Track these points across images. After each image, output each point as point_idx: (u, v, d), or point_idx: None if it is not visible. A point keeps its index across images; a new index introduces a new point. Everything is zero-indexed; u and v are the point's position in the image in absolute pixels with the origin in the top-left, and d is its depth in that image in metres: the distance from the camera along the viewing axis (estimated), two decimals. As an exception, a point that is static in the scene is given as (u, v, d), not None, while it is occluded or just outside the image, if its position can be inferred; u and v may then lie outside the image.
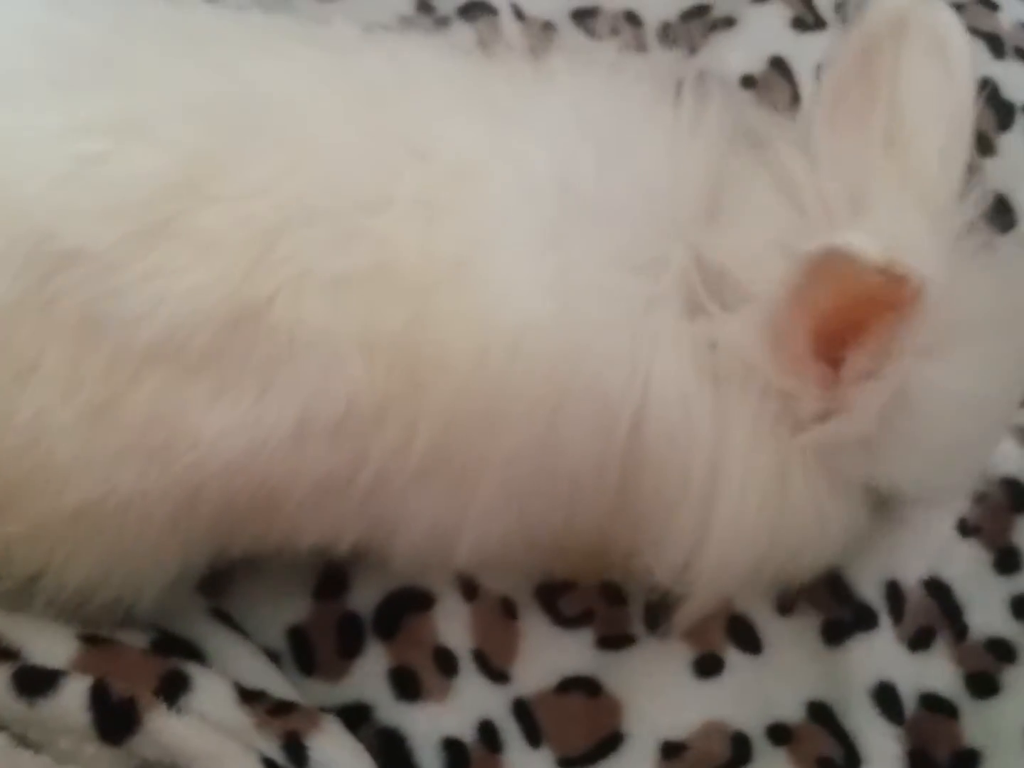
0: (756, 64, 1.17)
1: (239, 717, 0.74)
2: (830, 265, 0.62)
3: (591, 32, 1.23)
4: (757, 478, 0.72)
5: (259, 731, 0.73)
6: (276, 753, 0.72)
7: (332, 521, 0.76)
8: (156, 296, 0.65)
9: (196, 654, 0.83)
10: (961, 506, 0.95)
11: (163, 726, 0.69)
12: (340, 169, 0.69)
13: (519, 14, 1.24)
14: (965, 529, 0.95)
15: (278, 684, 0.82)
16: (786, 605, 0.92)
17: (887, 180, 0.71)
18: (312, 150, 0.69)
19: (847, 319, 0.65)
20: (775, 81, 1.16)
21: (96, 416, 0.67)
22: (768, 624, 0.92)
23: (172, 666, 0.74)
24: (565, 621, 0.92)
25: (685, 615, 0.80)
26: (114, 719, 0.68)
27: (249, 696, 0.76)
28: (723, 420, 0.71)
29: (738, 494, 0.72)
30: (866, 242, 0.60)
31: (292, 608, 0.90)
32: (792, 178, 0.73)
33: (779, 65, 1.16)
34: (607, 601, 0.93)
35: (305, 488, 0.72)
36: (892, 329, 0.65)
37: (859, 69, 0.74)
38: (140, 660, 0.75)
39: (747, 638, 0.92)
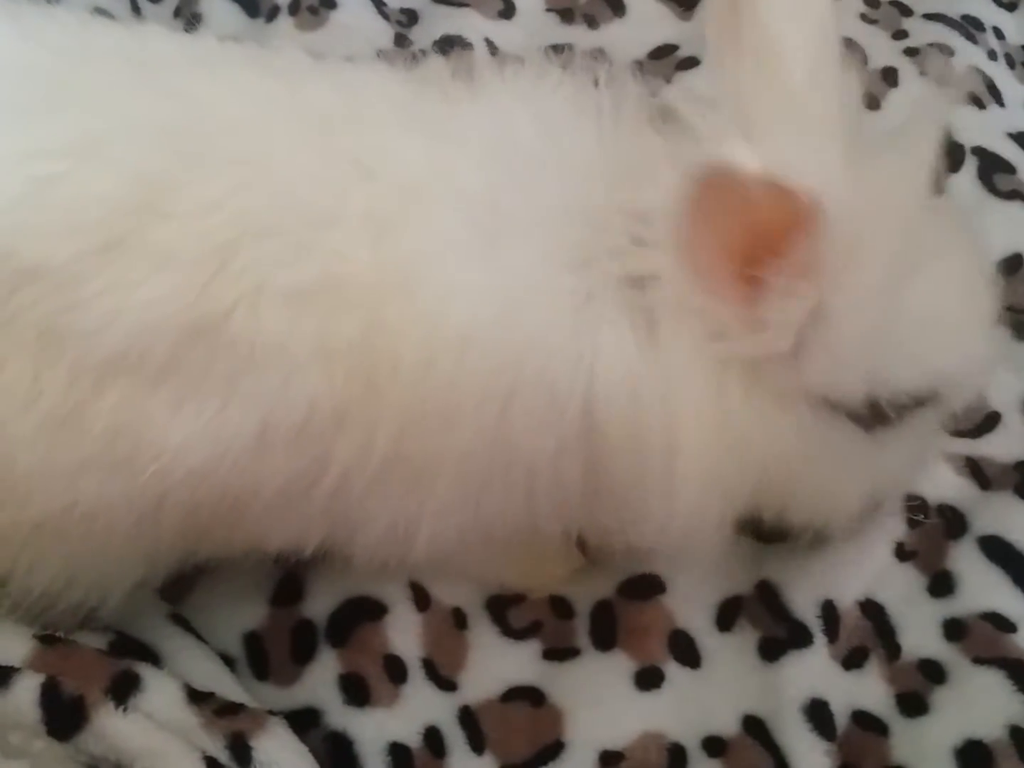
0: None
1: (186, 717, 0.77)
2: (717, 182, 0.64)
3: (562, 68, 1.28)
4: (702, 407, 0.75)
5: (205, 731, 0.77)
6: (220, 752, 0.75)
7: (296, 525, 0.80)
8: (114, 309, 0.68)
9: (152, 656, 0.86)
10: (898, 530, 0.98)
11: (109, 724, 0.72)
12: (291, 187, 0.73)
13: (493, 48, 1.29)
14: (902, 553, 0.98)
15: (230, 687, 0.85)
16: (726, 621, 0.96)
17: (764, 104, 0.73)
18: (263, 169, 0.73)
19: (755, 238, 0.68)
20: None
21: (58, 428, 0.70)
22: (708, 639, 0.96)
23: (124, 666, 0.78)
24: (513, 632, 0.96)
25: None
26: (62, 716, 0.72)
27: (198, 697, 0.79)
28: (666, 368, 0.74)
29: (692, 431, 0.75)
30: (745, 156, 0.62)
31: (249, 614, 0.94)
32: (692, 122, 0.75)
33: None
34: (555, 614, 0.97)
35: (268, 494, 0.75)
36: (798, 247, 0.67)
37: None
38: (93, 660, 0.78)
39: (687, 652, 0.95)
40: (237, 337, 0.70)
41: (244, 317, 0.70)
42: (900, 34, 1.27)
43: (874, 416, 0.79)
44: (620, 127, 0.80)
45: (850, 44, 1.24)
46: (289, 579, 0.95)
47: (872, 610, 0.96)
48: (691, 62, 1.24)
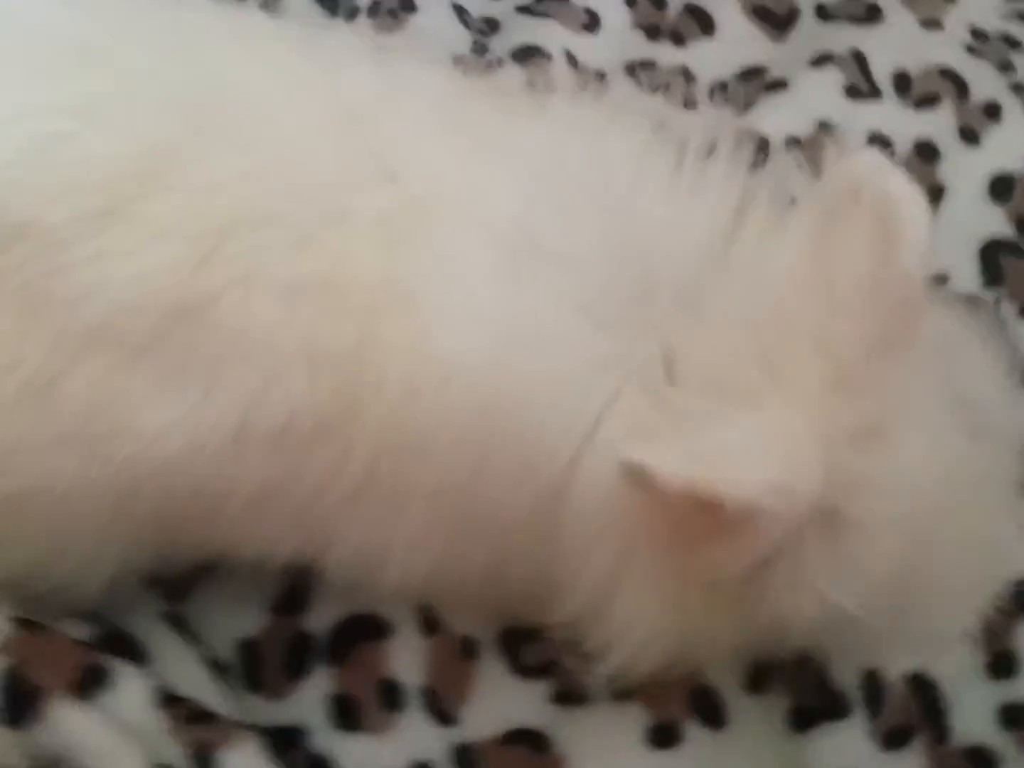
0: (803, 127, 1.14)
1: (153, 720, 0.72)
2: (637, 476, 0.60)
3: (643, 85, 1.23)
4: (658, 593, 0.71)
5: (170, 736, 0.72)
6: (181, 761, 0.70)
7: (268, 533, 0.75)
8: (102, 278, 0.65)
9: (139, 653, 0.82)
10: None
11: (65, 717, 0.68)
12: (304, 176, 0.69)
13: (573, 61, 1.24)
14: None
15: (212, 695, 0.81)
16: (757, 682, 0.88)
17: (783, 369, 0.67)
18: (278, 154, 0.69)
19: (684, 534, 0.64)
20: (821, 142, 1.13)
21: (36, 398, 0.67)
22: (735, 699, 0.87)
23: (95, 660, 0.73)
24: (524, 670, 0.89)
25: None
26: (20, 704, 0.68)
27: (170, 701, 0.74)
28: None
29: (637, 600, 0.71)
30: (664, 460, 0.58)
31: (248, 621, 0.89)
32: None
33: (827, 128, 1.13)
34: (572, 655, 0.90)
35: (243, 497, 0.71)
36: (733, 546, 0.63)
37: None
38: (66, 650, 0.74)
39: (710, 712, 0.87)
40: (224, 324, 0.66)
41: (234, 304, 0.66)
42: (1007, 67, 1.18)
43: None
44: (697, 206, 0.73)
45: (952, 76, 1.17)
46: (295, 588, 0.90)
47: (921, 686, 0.87)
48: (779, 85, 1.18)
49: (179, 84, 0.70)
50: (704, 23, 1.24)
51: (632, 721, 0.86)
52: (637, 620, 0.72)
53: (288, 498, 0.71)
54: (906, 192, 0.65)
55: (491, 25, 1.28)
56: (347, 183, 0.69)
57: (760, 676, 0.88)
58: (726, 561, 0.65)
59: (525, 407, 0.68)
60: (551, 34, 1.25)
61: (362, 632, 0.88)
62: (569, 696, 0.88)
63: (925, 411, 0.68)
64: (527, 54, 1.22)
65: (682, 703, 0.87)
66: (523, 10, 1.28)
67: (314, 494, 0.71)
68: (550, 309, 0.69)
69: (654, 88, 1.21)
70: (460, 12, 1.28)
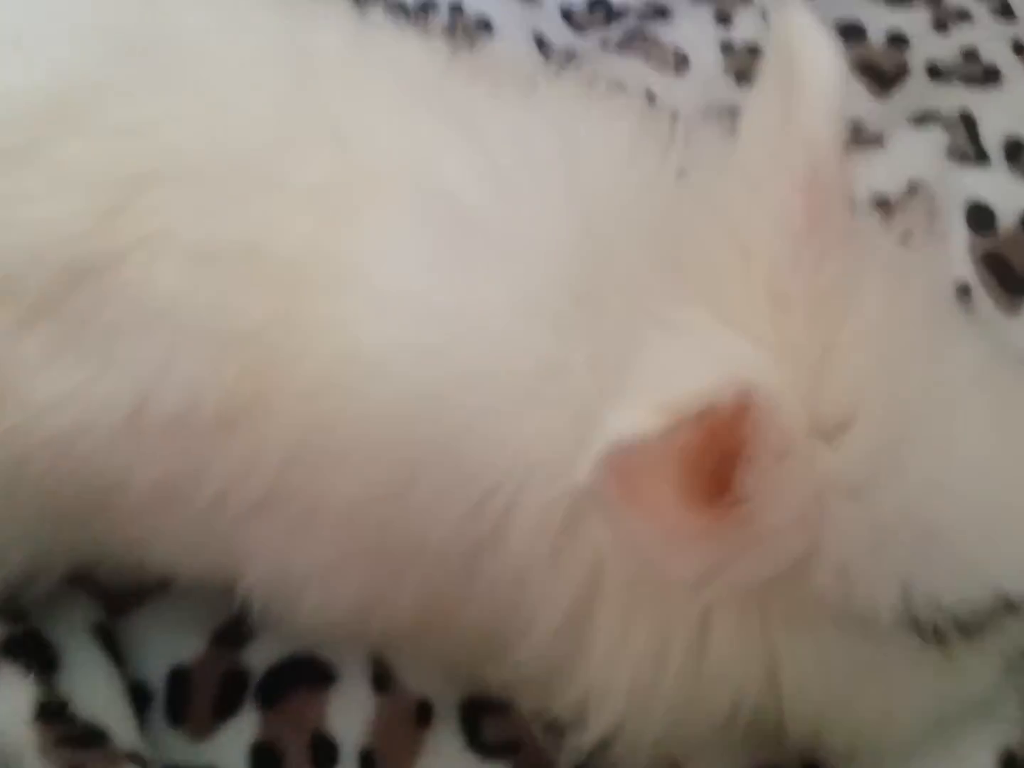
0: (894, 185, 1.02)
1: (25, 734, 0.64)
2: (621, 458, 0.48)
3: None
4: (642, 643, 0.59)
5: (39, 755, 0.63)
6: (39, 782, 0.61)
7: (169, 540, 0.66)
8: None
9: (50, 661, 0.73)
10: (1009, 734, 0.74)
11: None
12: (240, 132, 0.61)
13: (651, 100, 1.15)
14: (1011, 762, 0.73)
15: (114, 720, 0.71)
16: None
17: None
18: (214, 104, 0.62)
19: (697, 467, 0.51)
20: (910, 205, 1.01)
21: None
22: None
23: (-22, 662, 0.65)
24: (482, 747, 0.77)
25: None
26: None
27: (52, 716, 0.66)
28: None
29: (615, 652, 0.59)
30: (632, 416, 0.46)
31: (184, 648, 0.79)
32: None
33: (919, 189, 1.01)
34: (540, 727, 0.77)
35: (139, 491, 0.63)
36: (752, 444, 0.50)
37: None
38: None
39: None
40: (126, 289, 0.59)
41: (140, 266, 0.59)
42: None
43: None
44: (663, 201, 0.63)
45: None
46: (238, 619, 0.80)
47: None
48: (874, 141, 1.06)
49: (110, 18, 0.64)
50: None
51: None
52: (614, 678, 0.60)
53: (189, 500, 0.62)
54: (812, 43, 0.55)
55: (571, 59, 1.21)
56: (288, 145, 0.61)
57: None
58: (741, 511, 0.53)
59: (461, 413, 0.58)
60: (635, 72, 1.17)
61: (303, 676, 0.78)
62: (526, 784, 0.75)
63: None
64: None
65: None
66: (609, 47, 1.21)
67: (218, 498, 0.62)
68: (497, 304, 0.59)
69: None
70: (540, 43, 1.21)
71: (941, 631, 0.58)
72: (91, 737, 0.67)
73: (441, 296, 0.59)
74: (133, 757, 0.67)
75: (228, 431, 0.60)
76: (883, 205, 1.01)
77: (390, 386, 0.57)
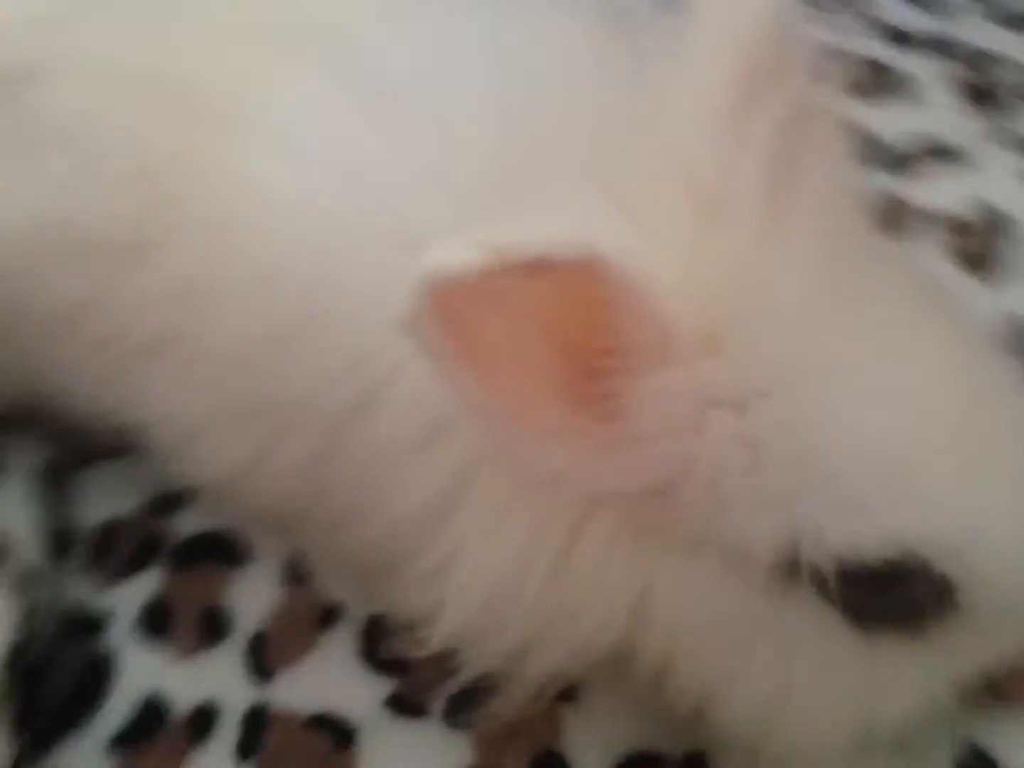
0: (963, 206, 0.95)
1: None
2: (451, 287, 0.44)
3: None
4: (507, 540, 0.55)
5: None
6: None
7: (71, 364, 0.67)
8: None
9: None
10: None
11: None
12: None
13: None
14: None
15: (27, 539, 0.73)
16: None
17: None
18: None
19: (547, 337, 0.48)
20: (977, 227, 0.94)
21: None
22: None
23: None
24: (373, 660, 0.74)
25: None
26: None
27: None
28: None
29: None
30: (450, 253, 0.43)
31: (119, 505, 0.80)
32: None
33: (988, 212, 0.94)
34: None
35: (41, 316, 0.65)
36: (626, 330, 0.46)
37: None
38: None
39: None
40: (43, 103, 0.61)
41: (58, 81, 0.60)
42: None
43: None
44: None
45: None
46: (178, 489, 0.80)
47: None
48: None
49: None
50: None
51: (453, 758, 0.69)
52: (475, 574, 0.56)
53: (89, 331, 0.64)
54: None
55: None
56: None
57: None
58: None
59: (349, 270, 0.57)
60: None
61: (216, 551, 0.78)
62: (403, 703, 0.72)
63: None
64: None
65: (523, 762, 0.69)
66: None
67: (117, 333, 0.63)
68: (400, 167, 0.57)
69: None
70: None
71: (832, 588, 0.51)
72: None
73: (345, 152, 0.58)
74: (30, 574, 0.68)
75: (129, 263, 0.61)
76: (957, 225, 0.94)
77: (281, 232, 0.57)
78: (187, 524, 0.79)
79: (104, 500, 0.81)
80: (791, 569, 0.51)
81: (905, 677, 0.54)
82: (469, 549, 0.57)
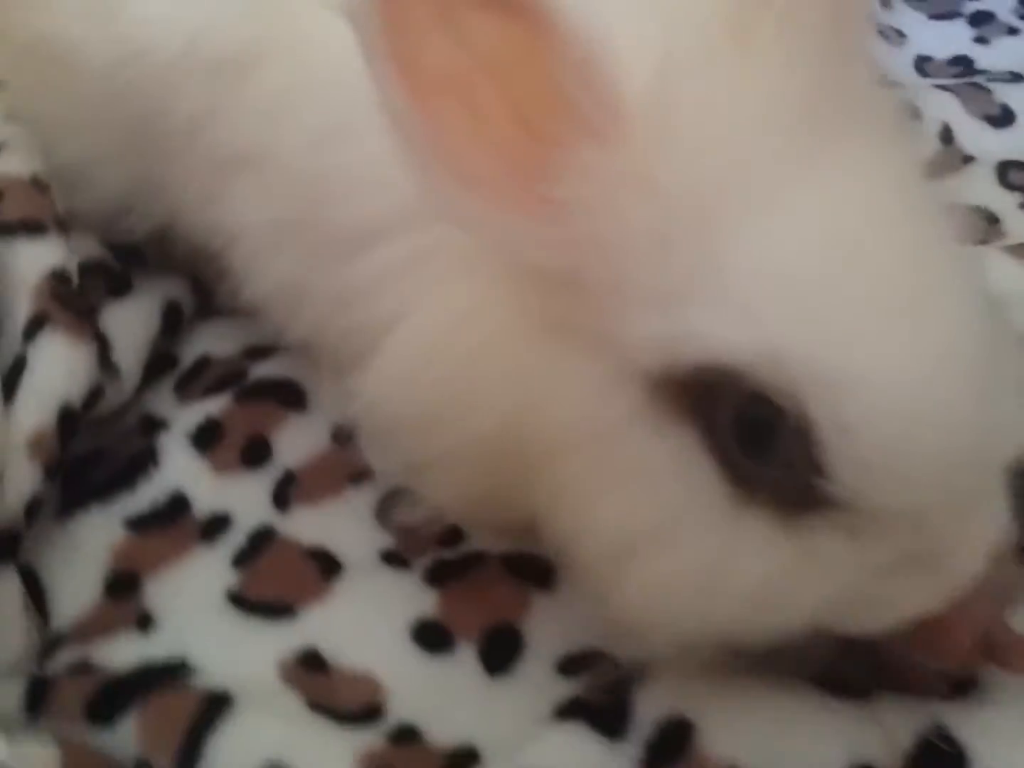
0: None
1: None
2: None
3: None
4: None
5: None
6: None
7: (184, 179, 0.76)
8: None
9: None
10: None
11: None
12: None
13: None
14: None
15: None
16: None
17: None
18: None
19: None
20: None
21: None
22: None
23: None
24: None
25: None
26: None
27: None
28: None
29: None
30: None
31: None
32: None
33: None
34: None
35: (172, 122, 0.74)
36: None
37: None
38: None
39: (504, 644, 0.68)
40: None
41: None
42: None
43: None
44: None
45: None
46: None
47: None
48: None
49: None
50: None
51: (416, 608, 0.70)
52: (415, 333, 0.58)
53: (202, 139, 0.72)
54: None
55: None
56: None
57: None
58: None
59: None
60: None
61: (280, 394, 0.84)
62: (394, 557, 0.74)
63: None
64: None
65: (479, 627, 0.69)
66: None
67: (220, 144, 0.71)
68: None
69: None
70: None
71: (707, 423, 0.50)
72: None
73: None
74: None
75: (239, 77, 0.69)
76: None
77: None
78: (264, 369, 0.85)
79: (204, 341, 0.89)
80: (674, 396, 0.50)
81: (767, 558, 0.50)
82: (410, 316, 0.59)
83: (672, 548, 0.51)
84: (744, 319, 0.47)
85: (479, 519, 0.67)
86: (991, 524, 0.51)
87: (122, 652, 0.68)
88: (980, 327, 0.49)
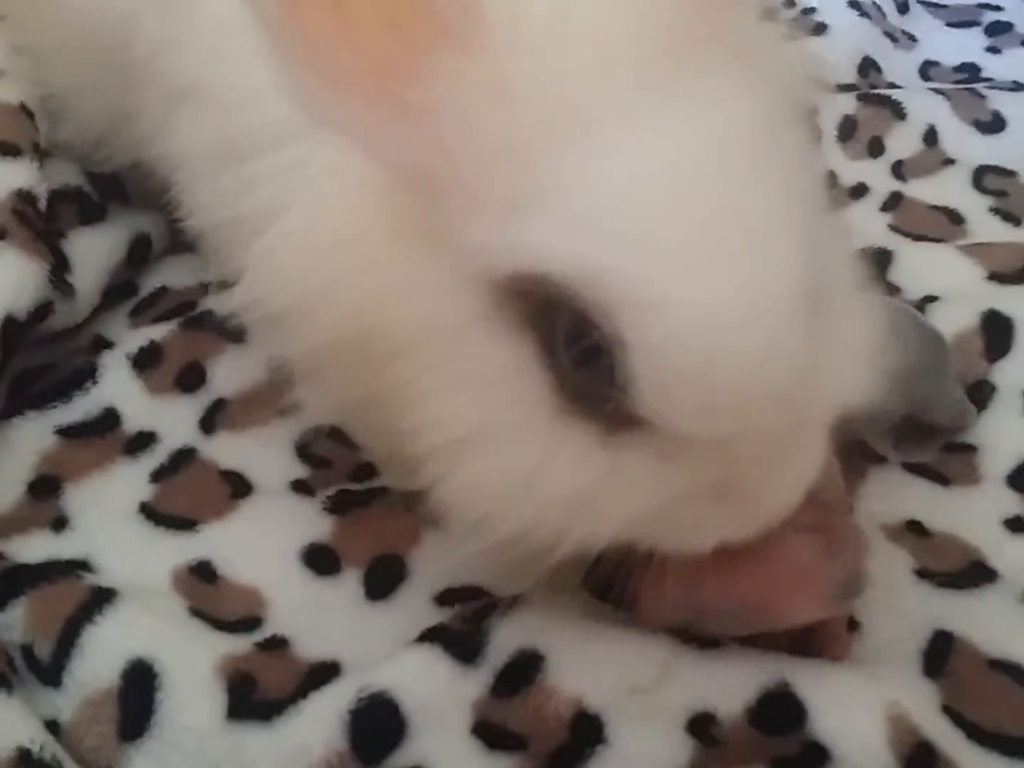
0: None
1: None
2: None
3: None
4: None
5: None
6: None
7: (145, 109, 0.80)
8: None
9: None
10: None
11: None
12: None
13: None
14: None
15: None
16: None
17: None
18: None
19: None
20: None
21: None
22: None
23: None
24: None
25: None
26: None
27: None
28: None
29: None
30: None
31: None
32: None
33: None
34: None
35: (134, 54, 0.78)
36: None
37: None
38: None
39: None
40: None
41: None
42: None
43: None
44: None
45: None
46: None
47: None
48: None
49: None
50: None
51: (312, 530, 0.73)
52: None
53: (159, 70, 0.76)
54: None
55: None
56: None
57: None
58: None
59: None
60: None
61: (224, 328, 0.86)
62: (305, 487, 0.77)
63: None
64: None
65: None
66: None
67: (173, 73, 0.74)
68: None
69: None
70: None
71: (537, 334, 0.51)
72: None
73: None
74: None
75: (188, 8, 0.72)
76: None
77: None
78: (213, 302, 0.88)
79: (165, 274, 0.94)
80: (515, 305, 0.52)
81: (583, 469, 0.51)
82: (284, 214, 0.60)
83: (496, 450, 0.53)
84: (573, 234, 0.49)
85: (361, 427, 0.70)
86: (805, 464, 0.52)
87: (33, 548, 0.71)
88: (803, 276, 0.49)
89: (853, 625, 0.66)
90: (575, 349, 0.50)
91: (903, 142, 1.09)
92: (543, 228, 0.49)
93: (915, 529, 0.74)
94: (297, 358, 0.64)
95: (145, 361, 0.84)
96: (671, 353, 0.48)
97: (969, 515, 0.74)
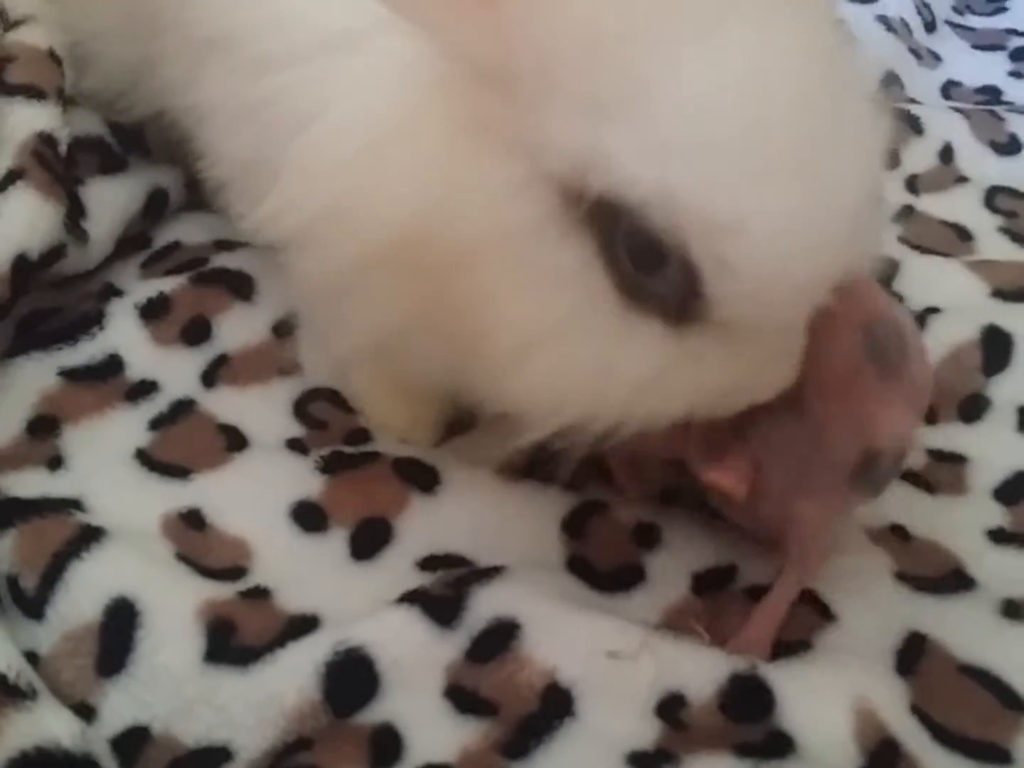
0: None
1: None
2: None
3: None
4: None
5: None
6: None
7: (171, 54, 0.80)
8: None
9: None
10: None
11: None
12: None
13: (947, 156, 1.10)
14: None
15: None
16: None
17: None
18: None
19: None
20: None
21: None
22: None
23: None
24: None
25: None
26: None
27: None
28: None
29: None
30: None
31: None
32: None
33: None
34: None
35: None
36: None
37: None
38: None
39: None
40: None
41: None
42: None
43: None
44: None
45: None
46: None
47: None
48: None
49: None
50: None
51: (302, 488, 0.74)
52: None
53: (183, 18, 0.76)
54: None
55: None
56: None
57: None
58: None
59: None
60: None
61: (232, 282, 0.88)
62: (301, 445, 0.78)
63: None
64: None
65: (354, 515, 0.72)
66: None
67: (199, 22, 0.74)
68: None
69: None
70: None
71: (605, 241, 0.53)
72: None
73: None
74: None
75: None
76: None
77: None
78: (224, 259, 0.89)
79: (180, 229, 0.94)
80: (580, 206, 0.53)
81: (650, 356, 0.54)
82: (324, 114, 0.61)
83: (569, 343, 0.55)
84: (652, 154, 0.50)
85: (401, 351, 0.67)
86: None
87: (27, 485, 0.72)
88: (872, 179, 0.53)
89: (829, 617, 0.67)
90: (637, 255, 0.53)
91: (919, 157, 1.10)
92: (621, 141, 0.50)
93: (898, 534, 0.74)
94: (331, 278, 0.63)
95: (152, 312, 0.84)
96: (743, 269, 0.51)
97: (952, 523, 0.75)
